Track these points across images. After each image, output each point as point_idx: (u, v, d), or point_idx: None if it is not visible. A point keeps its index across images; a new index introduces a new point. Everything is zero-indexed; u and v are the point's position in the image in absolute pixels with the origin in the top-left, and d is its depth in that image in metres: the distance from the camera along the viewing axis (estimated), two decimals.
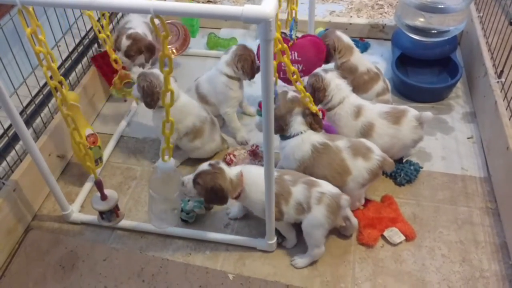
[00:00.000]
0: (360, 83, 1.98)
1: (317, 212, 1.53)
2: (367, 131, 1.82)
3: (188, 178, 1.60)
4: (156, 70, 1.85)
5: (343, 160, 1.67)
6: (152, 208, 1.60)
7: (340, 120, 1.85)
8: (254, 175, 1.58)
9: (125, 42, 2.12)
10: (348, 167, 1.66)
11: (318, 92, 1.83)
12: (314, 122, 1.70)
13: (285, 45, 1.42)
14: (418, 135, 1.84)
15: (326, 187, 1.57)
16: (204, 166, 1.59)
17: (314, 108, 1.67)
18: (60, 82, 1.40)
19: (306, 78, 1.94)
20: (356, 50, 2.06)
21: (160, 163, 1.48)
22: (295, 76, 1.50)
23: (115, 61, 2.03)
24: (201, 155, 2.00)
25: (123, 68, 2.10)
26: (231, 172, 1.59)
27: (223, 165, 1.59)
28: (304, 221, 1.57)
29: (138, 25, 2.24)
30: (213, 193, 1.55)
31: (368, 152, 1.68)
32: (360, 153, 1.67)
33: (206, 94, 2.08)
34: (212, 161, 1.60)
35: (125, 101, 2.32)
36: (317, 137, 1.70)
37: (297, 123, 1.70)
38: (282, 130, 1.71)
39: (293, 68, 1.47)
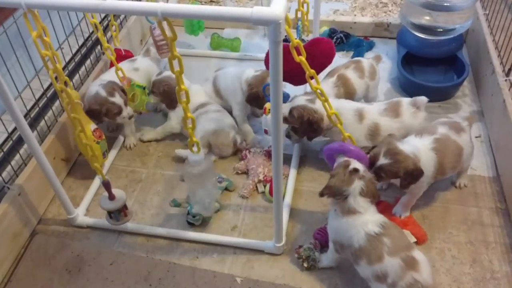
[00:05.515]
0: None
1: None
2: (374, 131, 1.80)
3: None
4: (168, 72, 2.03)
5: (455, 141, 1.67)
6: (191, 198, 1.70)
7: (346, 129, 1.76)
8: None
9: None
10: (460, 145, 1.68)
11: (316, 123, 1.78)
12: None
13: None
14: (421, 118, 1.83)
15: (424, 274, 1.37)
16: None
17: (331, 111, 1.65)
18: (65, 83, 1.39)
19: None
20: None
21: (190, 155, 1.52)
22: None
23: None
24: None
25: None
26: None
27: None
28: (376, 285, 1.43)
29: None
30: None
31: (458, 124, 1.71)
32: (456, 128, 1.69)
33: (220, 89, 2.13)
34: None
35: (141, 113, 2.12)
36: (425, 141, 1.64)
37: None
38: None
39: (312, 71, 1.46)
